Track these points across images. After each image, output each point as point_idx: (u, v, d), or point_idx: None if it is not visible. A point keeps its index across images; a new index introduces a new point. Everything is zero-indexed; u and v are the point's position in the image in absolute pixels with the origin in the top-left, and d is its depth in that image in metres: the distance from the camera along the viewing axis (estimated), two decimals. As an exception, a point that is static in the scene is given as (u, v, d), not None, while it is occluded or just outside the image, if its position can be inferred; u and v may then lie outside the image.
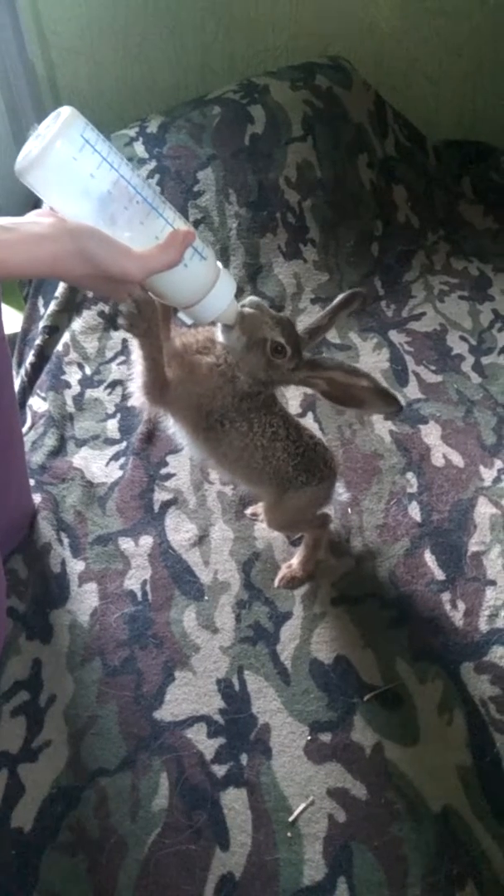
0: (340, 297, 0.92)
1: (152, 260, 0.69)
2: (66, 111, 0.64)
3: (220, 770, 0.90)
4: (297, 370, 0.87)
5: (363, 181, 1.80)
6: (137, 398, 0.86)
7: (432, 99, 2.18)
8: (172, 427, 0.95)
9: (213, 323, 0.82)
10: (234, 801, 0.87)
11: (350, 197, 1.77)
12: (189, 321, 0.81)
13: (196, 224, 1.64)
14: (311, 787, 0.89)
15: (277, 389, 0.95)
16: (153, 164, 1.68)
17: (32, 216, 0.66)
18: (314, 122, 1.78)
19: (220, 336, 0.85)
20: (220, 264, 0.78)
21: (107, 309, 1.57)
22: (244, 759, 0.91)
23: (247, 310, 0.82)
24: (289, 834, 0.85)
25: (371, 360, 1.51)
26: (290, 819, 0.86)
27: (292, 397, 1.42)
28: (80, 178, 0.66)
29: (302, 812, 0.86)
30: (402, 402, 0.89)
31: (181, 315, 0.81)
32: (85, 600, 1.09)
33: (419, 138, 2.03)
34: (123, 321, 0.76)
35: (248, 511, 1.22)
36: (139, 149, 1.71)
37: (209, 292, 0.76)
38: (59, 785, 0.89)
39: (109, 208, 0.68)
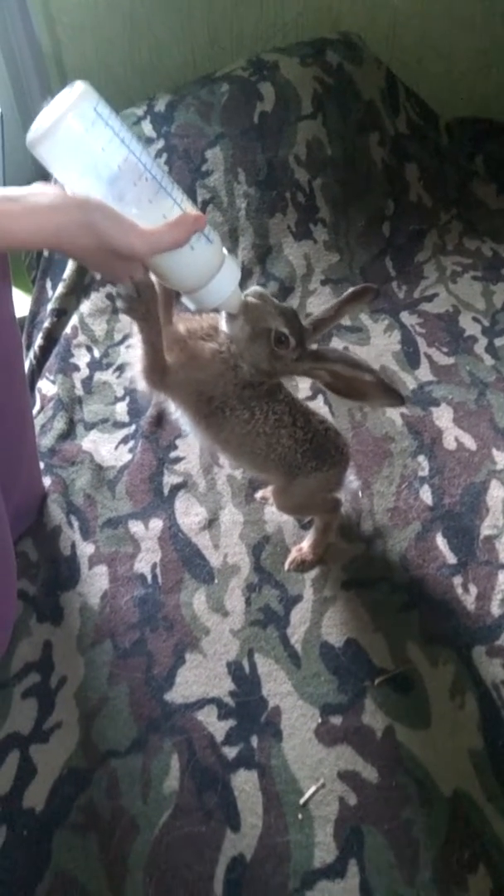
0: (350, 290, 0.90)
1: (159, 238, 0.68)
2: (79, 85, 0.63)
3: (230, 752, 0.90)
4: (300, 361, 0.85)
5: (374, 159, 1.77)
6: (138, 382, 0.85)
7: (444, 75, 2.14)
8: (175, 412, 0.94)
9: (216, 310, 0.81)
10: (245, 783, 0.87)
11: (361, 176, 1.75)
12: (192, 307, 0.80)
13: (204, 204, 1.62)
14: (321, 769, 0.88)
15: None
16: (161, 143, 1.66)
17: (38, 186, 0.65)
18: (324, 99, 1.75)
19: (223, 325, 0.84)
20: (226, 251, 0.77)
21: (115, 291, 1.56)
22: (255, 741, 0.91)
23: (251, 299, 0.80)
24: (299, 816, 0.85)
25: (382, 341, 1.50)
26: (301, 801, 0.86)
27: (302, 380, 1.41)
28: (91, 152, 0.65)
29: (313, 795, 0.86)
30: (405, 395, 0.87)
31: (184, 300, 0.80)
32: (95, 583, 1.09)
33: (431, 116, 2.00)
34: (122, 304, 0.75)
35: (258, 495, 1.22)
36: (147, 127, 1.69)
37: (213, 278, 0.75)
38: (70, 766, 0.89)
39: (118, 184, 0.67)
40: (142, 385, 0.85)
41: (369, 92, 1.82)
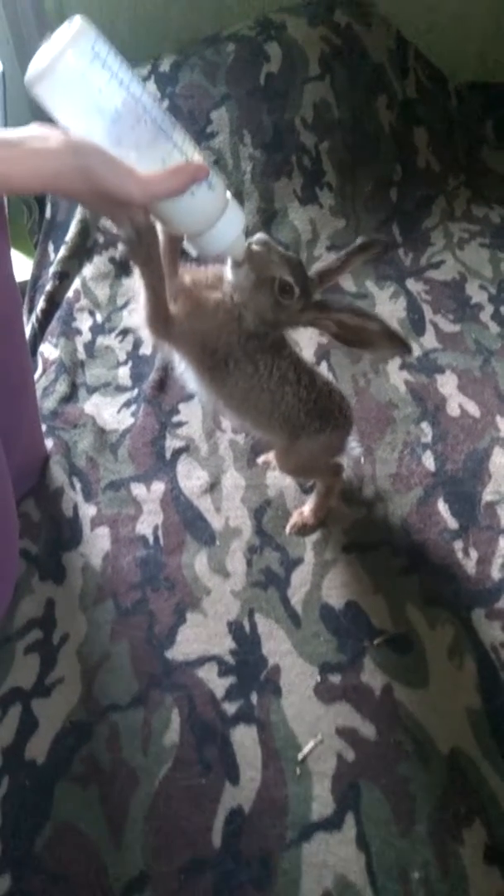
0: (359, 241, 0.89)
1: (156, 185, 0.67)
2: (77, 21, 0.61)
3: (230, 708, 0.91)
4: (305, 311, 0.84)
5: (382, 123, 1.74)
6: (142, 331, 0.84)
7: (455, 38, 2.08)
8: (179, 366, 0.93)
9: (219, 257, 0.80)
10: (244, 738, 0.88)
11: (369, 139, 1.71)
12: (194, 252, 0.78)
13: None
14: (320, 726, 0.89)
15: (289, 335, 0.93)
16: (165, 103, 1.63)
17: (36, 128, 0.64)
18: (332, 60, 1.71)
19: (228, 273, 0.83)
20: (230, 195, 0.75)
21: (118, 255, 1.54)
22: (254, 697, 0.92)
23: (255, 247, 0.79)
24: (298, 771, 0.86)
25: (387, 308, 1.48)
26: (300, 756, 0.87)
27: (306, 346, 1.40)
28: (88, 92, 0.63)
29: (311, 750, 0.87)
30: (412, 345, 0.87)
31: (186, 245, 0.79)
32: (97, 543, 1.09)
33: (441, 79, 1.95)
34: (123, 247, 0.74)
35: (260, 459, 1.21)
36: (151, 88, 1.65)
37: (215, 223, 0.73)
38: (71, 720, 0.90)
39: (116, 126, 0.65)
40: (146, 334, 0.84)
41: (378, 54, 1.78)
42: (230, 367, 0.87)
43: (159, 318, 0.82)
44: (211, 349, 0.87)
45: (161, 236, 0.82)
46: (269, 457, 1.19)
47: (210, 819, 0.83)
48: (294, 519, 1.12)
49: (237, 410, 0.97)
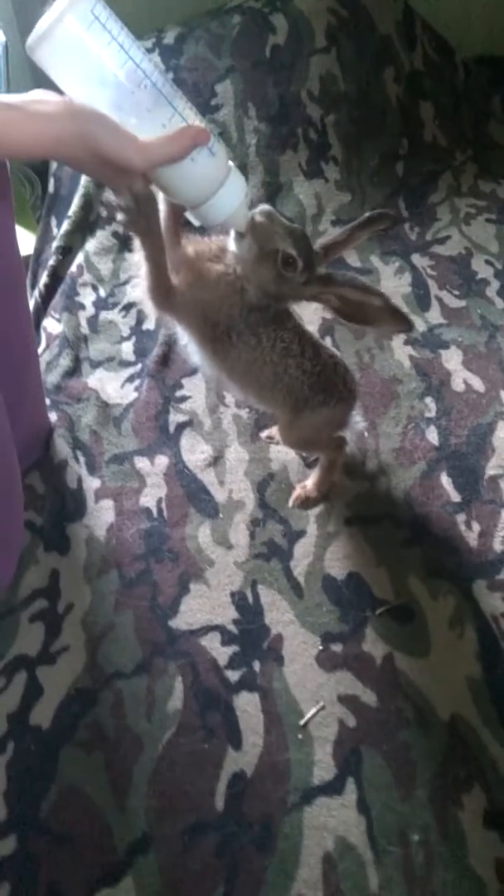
0: (366, 215, 0.88)
1: (156, 151, 0.67)
2: None
3: (233, 675, 0.92)
4: (308, 285, 0.84)
5: (389, 96, 1.72)
6: (145, 302, 0.84)
7: (463, 10, 2.05)
8: (183, 340, 0.93)
9: (221, 228, 0.79)
10: (247, 705, 0.89)
11: (375, 112, 1.70)
12: (196, 222, 0.78)
13: (213, 140, 1.58)
14: (322, 693, 0.90)
15: (293, 308, 0.92)
16: (170, 76, 1.61)
17: (39, 93, 0.64)
18: (339, 32, 1.69)
19: (232, 245, 0.82)
20: (232, 164, 0.75)
21: (121, 230, 1.53)
22: (257, 665, 0.93)
23: (259, 218, 0.79)
24: (300, 736, 0.87)
25: (392, 284, 1.47)
26: (302, 722, 0.88)
27: (310, 322, 1.39)
28: (87, 57, 0.63)
29: (313, 716, 0.88)
30: (416, 320, 0.87)
31: (188, 215, 0.78)
32: (101, 516, 1.10)
33: (448, 52, 1.92)
34: (122, 216, 0.73)
35: (264, 434, 1.22)
36: (155, 60, 1.63)
37: (216, 192, 0.73)
38: (76, 687, 0.91)
39: (116, 91, 0.65)
40: (148, 306, 0.84)
41: (385, 26, 1.75)
42: (232, 340, 0.87)
43: (161, 290, 0.82)
44: (213, 321, 0.87)
45: (163, 206, 0.82)
46: (273, 431, 1.19)
47: (213, 783, 0.84)
48: (297, 492, 1.12)
49: (240, 383, 0.97)
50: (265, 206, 0.80)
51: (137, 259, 0.80)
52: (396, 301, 1.42)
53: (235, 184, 0.74)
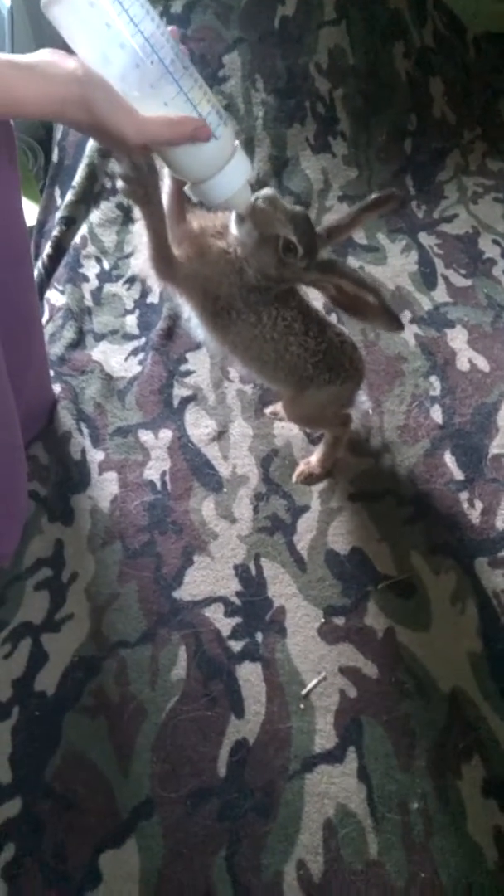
0: (373, 196, 0.87)
1: (152, 130, 0.66)
2: None
3: (236, 646, 0.93)
4: (308, 270, 0.83)
5: (398, 71, 1.70)
6: (146, 271, 0.84)
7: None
8: (185, 313, 0.93)
9: (222, 207, 0.78)
10: (250, 674, 0.90)
11: (384, 87, 1.67)
12: (195, 199, 0.77)
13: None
14: (323, 664, 0.91)
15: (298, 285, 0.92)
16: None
17: (47, 53, 0.64)
18: (349, 4, 1.66)
19: (232, 227, 0.82)
20: (238, 144, 0.74)
21: (125, 201, 1.52)
22: (259, 636, 0.94)
23: (260, 204, 0.78)
24: (301, 706, 0.88)
25: (399, 262, 1.46)
26: (303, 692, 0.89)
27: (315, 298, 1.38)
28: (97, 25, 0.63)
29: (315, 686, 0.89)
30: (404, 324, 0.88)
31: (187, 190, 0.78)
32: (105, 488, 1.10)
33: (459, 28, 1.89)
34: (121, 184, 0.73)
35: (268, 410, 1.21)
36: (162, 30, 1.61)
37: (218, 172, 0.72)
38: (81, 654, 0.92)
39: (122, 62, 0.64)
40: (150, 275, 0.84)
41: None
42: (232, 316, 0.87)
43: (161, 260, 0.82)
44: (213, 295, 0.87)
45: (167, 178, 0.81)
46: (277, 408, 1.19)
47: (216, 750, 0.85)
48: (301, 468, 1.12)
49: (242, 358, 0.97)
50: (268, 191, 0.78)
51: (138, 228, 0.80)
52: (403, 279, 1.43)
53: (239, 165, 0.73)
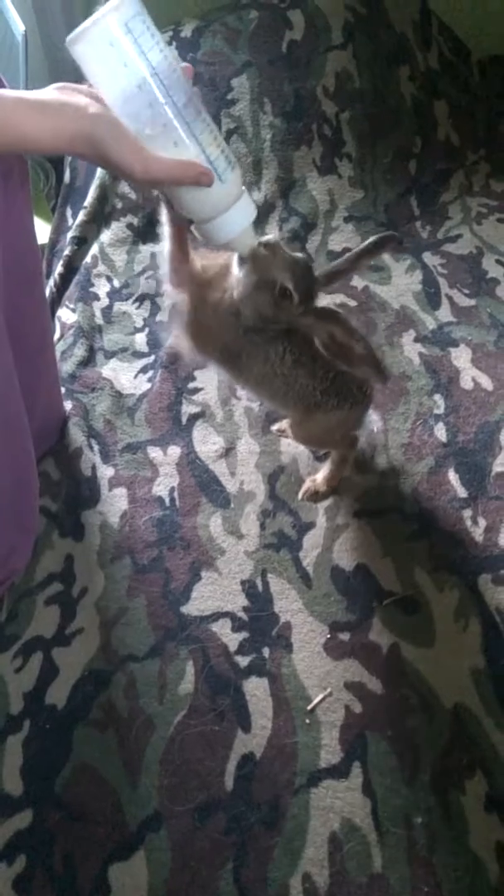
0: (371, 240, 0.89)
1: (158, 169, 0.69)
2: None
3: (243, 661, 0.94)
4: (304, 316, 0.85)
5: (403, 94, 1.73)
6: (165, 287, 0.89)
7: (479, 10, 2.05)
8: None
9: (224, 248, 0.81)
10: (256, 689, 0.92)
11: (389, 110, 1.71)
12: (199, 238, 0.80)
13: (228, 134, 1.59)
14: (329, 679, 0.93)
15: None
16: (186, 70, 1.62)
17: (61, 90, 0.68)
18: (355, 29, 1.70)
19: (234, 267, 0.84)
20: (244, 189, 0.76)
21: (136, 221, 1.55)
22: (266, 652, 0.95)
23: (261, 250, 0.80)
24: (307, 721, 0.90)
25: (403, 281, 1.49)
26: (309, 707, 0.90)
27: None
28: (115, 65, 0.66)
29: (320, 702, 0.91)
30: (391, 376, 0.91)
31: (193, 229, 0.80)
32: (115, 503, 1.12)
33: (464, 52, 1.94)
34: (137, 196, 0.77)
35: (274, 428, 1.24)
36: (173, 55, 1.64)
37: (222, 214, 0.74)
38: (91, 668, 0.94)
39: (136, 102, 0.67)
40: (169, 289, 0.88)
41: (401, 24, 1.77)
42: (243, 359, 0.91)
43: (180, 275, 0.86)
44: (220, 346, 0.91)
45: (167, 224, 0.85)
46: (283, 425, 1.21)
47: (223, 764, 0.86)
48: (307, 485, 1.14)
49: (252, 391, 1.00)
50: (271, 238, 0.81)
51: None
52: (407, 299, 1.46)
53: (243, 208, 0.75)
